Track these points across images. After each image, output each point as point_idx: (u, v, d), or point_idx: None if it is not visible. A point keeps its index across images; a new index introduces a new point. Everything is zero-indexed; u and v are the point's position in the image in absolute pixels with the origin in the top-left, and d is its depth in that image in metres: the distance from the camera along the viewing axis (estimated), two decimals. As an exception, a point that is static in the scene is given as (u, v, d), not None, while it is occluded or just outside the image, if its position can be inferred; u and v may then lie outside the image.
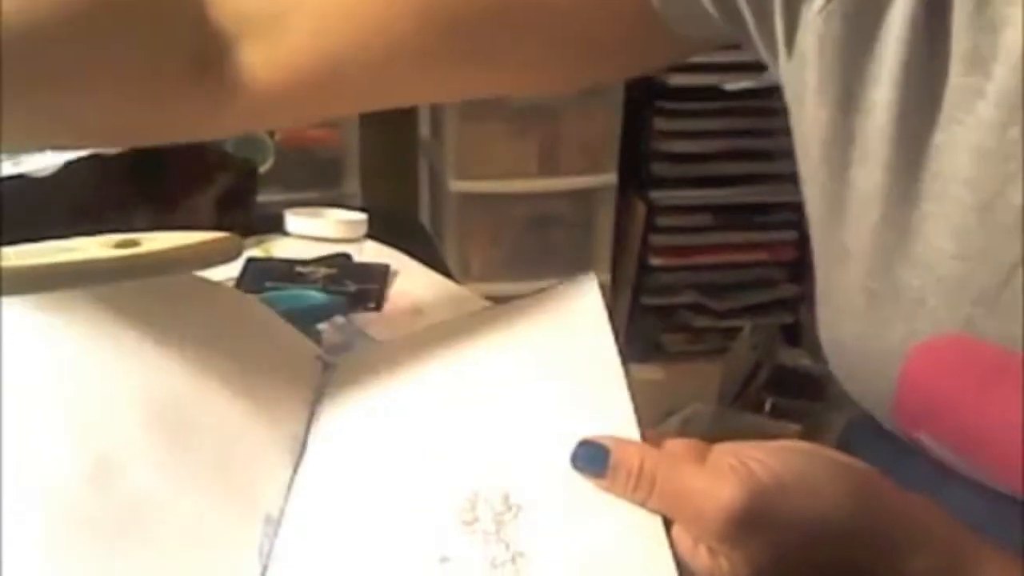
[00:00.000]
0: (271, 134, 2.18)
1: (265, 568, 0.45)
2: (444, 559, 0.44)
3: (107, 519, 0.44)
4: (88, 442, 0.47)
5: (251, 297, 0.64)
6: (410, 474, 0.49)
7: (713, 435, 0.49)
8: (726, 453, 0.47)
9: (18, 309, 0.51)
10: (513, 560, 0.44)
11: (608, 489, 0.47)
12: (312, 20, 0.57)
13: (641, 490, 0.46)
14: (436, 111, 2.31)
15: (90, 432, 0.47)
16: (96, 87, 0.56)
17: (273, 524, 0.47)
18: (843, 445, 0.51)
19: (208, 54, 0.58)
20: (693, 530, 0.45)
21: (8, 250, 0.56)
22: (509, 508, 0.46)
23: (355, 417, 0.56)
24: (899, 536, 0.47)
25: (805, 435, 1.70)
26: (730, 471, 0.46)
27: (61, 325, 0.53)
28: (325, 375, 0.61)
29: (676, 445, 0.49)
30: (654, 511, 0.46)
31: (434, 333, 0.65)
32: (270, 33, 0.57)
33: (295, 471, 0.52)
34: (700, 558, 0.45)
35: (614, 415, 0.51)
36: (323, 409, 0.57)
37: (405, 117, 2.39)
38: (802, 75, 0.54)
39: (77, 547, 0.42)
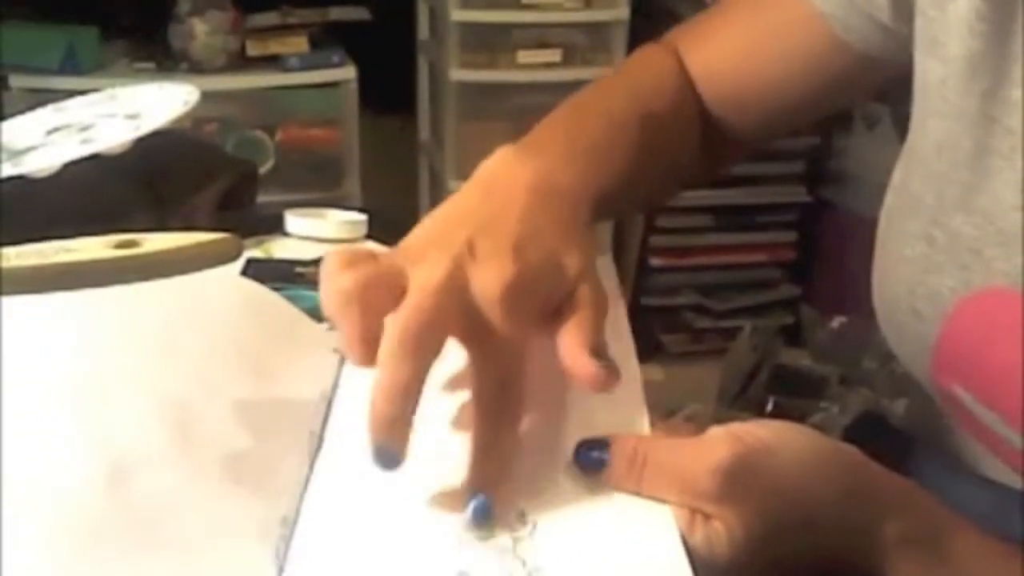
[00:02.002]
0: (271, 135, 2.18)
1: (281, 570, 0.45)
2: (462, 573, 0.44)
3: (123, 521, 0.44)
4: (104, 444, 0.47)
5: (267, 290, 0.64)
6: (424, 483, 0.49)
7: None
8: (718, 428, 0.48)
9: (31, 310, 0.52)
10: None
11: (609, 481, 0.48)
12: (766, 96, 0.71)
13: (635, 468, 0.47)
14: (436, 111, 2.31)
15: (105, 434, 0.47)
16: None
17: (289, 525, 0.47)
18: (847, 443, 0.51)
19: (708, 139, 0.72)
20: (685, 495, 0.46)
21: (8, 250, 0.56)
22: (525, 524, 0.46)
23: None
24: (874, 506, 0.48)
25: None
26: (716, 436, 0.47)
27: (75, 325, 0.53)
28: (340, 369, 0.61)
29: (670, 429, 0.50)
30: (650, 490, 0.47)
31: None
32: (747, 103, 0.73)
33: (311, 469, 0.52)
34: (697, 529, 0.46)
35: (627, 418, 0.51)
36: (338, 404, 0.57)
37: (405, 117, 2.39)
38: (919, 25, 0.56)
39: (92, 550, 0.42)
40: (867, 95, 0.79)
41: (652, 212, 2.26)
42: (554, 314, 0.50)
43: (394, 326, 0.46)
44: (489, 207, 0.52)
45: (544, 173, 0.54)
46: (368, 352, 0.47)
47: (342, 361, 0.61)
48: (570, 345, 0.49)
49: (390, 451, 0.45)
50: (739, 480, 0.45)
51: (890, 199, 0.61)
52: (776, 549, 0.46)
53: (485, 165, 0.55)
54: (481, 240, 0.49)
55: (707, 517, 0.46)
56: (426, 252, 0.49)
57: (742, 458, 0.46)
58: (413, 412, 0.45)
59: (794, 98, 0.70)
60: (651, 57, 0.74)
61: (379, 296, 0.47)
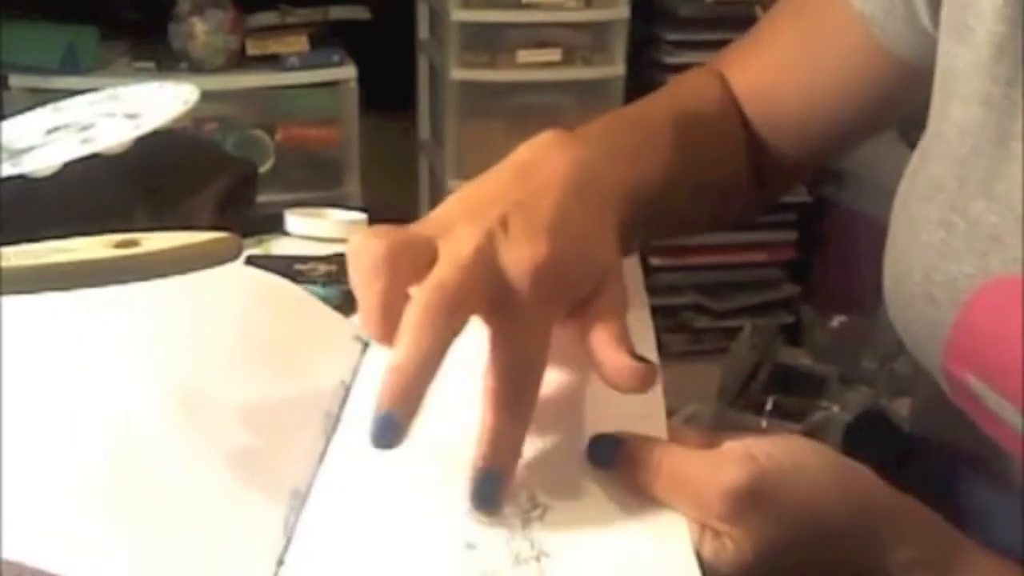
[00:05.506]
0: (271, 134, 2.18)
1: (289, 541, 0.46)
2: (470, 545, 0.44)
3: (135, 491, 0.44)
4: (119, 419, 0.48)
5: (284, 280, 0.65)
6: (438, 461, 0.49)
7: (713, 435, 0.50)
8: (733, 442, 0.48)
9: (41, 305, 0.52)
10: (537, 559, 0.44)
11: (619, 479, 0.48)
12: (808, 110, 0.71)
13: (647, 475, 0.47)
14: (436, 111, 2.31)
15: (121, 409, 0.48)
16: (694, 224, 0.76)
17: (300, 498, 0.48)
18: (849, 441, 0.51)
19: (756, 166, 0.72)
20: (697, 512, 0.46)
21: (8, 250, 0.56)
22: (536, 507, 0.47)
23: None
24: (885, 530, 0.48)
25: (805, 435, 1.69)
26: (732, 454, 0.47)
27: (97, 306, 0.54)
28: (363, 355, 0.61)
29: (684, 433, 0.50)
30: (662, 498, 0.47)
31: None
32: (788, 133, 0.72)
33: (326, 448, 0.52)
34: (706, 543, 0.46)
35: (645, 412, 0.51)
36: (358, 388, 0.58)
37: (405, 117, 2.39)
38: (946, 10, 0.57)
39: (106, 516, 0.43)
40: (904, 113, 0.79)
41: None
42: (578, 307, 0.50)
43: (420, 297, 0.45)
44: (524, 188, 0.51)
45: (583, 163, 0.54)
46: (386, 325, 0.45)
47: (364, 348, 0.61)
48: (605, 342, 0.48)
49: (395, 423, 0.43)
50: (751, 503, 0.45)
51: (905, 185, 0.60)
52: (784, 567, 0.46)
53: (524, 148, 0.55)
54: (515, 218, 0.48)
55: (717, 532, 0.46)
56: (457, 225, 0.48)
57: (755, 481, 0.45)
58: (427, 387, 0.44)
59: (836, 112, 0.69)
60: (695, 78, 0.73)
61: (406, 266, 0.46)
